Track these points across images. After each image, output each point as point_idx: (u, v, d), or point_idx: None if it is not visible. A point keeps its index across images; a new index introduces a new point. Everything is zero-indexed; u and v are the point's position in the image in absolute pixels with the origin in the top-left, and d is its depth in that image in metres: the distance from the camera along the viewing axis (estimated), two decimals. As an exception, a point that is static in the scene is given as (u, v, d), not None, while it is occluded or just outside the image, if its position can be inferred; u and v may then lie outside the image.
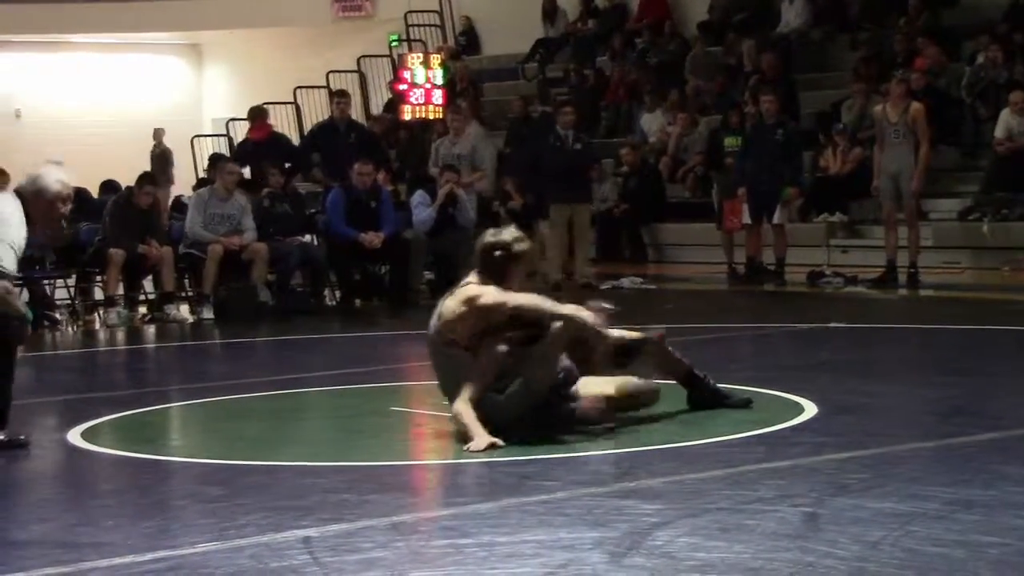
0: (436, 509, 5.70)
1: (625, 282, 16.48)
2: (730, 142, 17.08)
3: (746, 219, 16.27)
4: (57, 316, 14.49)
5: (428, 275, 15.97)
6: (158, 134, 25.00)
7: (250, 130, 17.68)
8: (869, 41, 19.58)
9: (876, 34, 19.71)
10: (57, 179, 7.49)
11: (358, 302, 15.17)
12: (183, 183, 21.28)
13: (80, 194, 15.55)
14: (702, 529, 5.20)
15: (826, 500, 5.57)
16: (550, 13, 24.74)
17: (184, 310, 14.61)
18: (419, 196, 15.66)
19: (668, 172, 19.57)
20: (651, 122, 20.57)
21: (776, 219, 16.05)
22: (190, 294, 15.01)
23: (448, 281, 15.30)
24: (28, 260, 14.82)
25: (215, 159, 17.64)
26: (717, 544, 4.98)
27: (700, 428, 7.32)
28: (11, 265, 7.25)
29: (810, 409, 7.70)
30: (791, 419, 7.46)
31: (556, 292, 16.13)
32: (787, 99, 18.05)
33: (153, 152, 25.47)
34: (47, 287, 14.89)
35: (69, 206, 7.65)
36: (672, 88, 20.82)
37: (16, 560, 5.11)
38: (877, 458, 6.42)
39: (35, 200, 7.43)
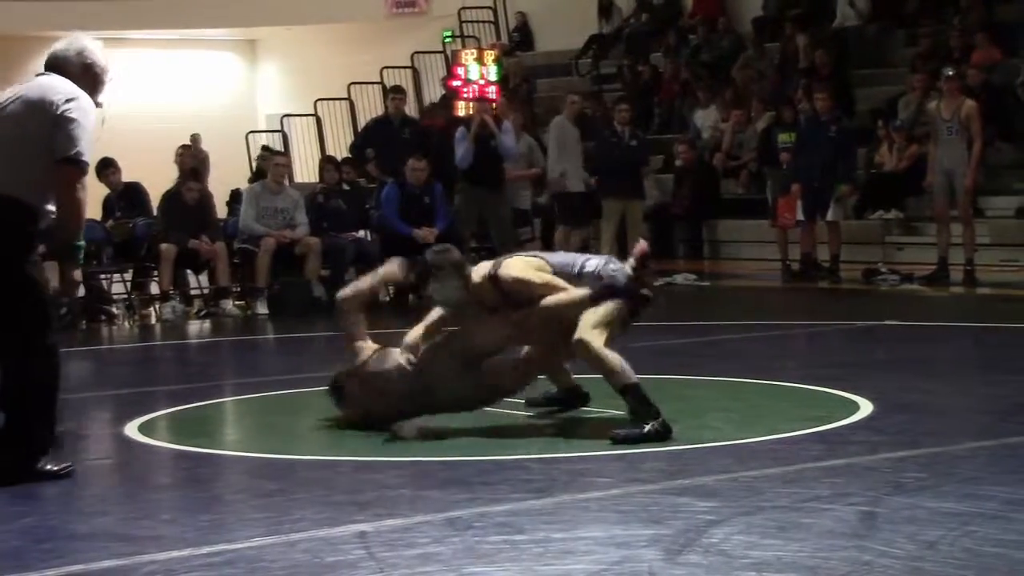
0: (491, 505, 5.70)
1: (678, 279, 16.44)
2: (783, 138, 16.99)
3: (799, 216, 16.20)
4: (113, 310, 14.58)
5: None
6: (195, 139, 25.12)
7: None
8: (926, 36, 19.44)
9: (933, 29, 19.58)
10: (100, 50, 6.97)
11: (411, 298, 15.18)
12: (240, 178, 21.31)
13: (136, 189, 15.71)
14: (758, 527, 5.18)
15: (883, 499, 5.54)
16: (606, 9, 24.70)
17: (238, 304, 14.66)
18: (461, 132, 15.60)
19: (722, 169, 19.50)
20: (704, 118, 20.50)
21: (830, 216, 15.98)
22: (244, 288, 15.06)
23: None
24: (86, 254, 14.95)
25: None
26: (773, 542, 4.96)
27: (754, 426, 7.30)
28: None
29: (866, 407, 7.66)
30: (847, 417, 7.42)
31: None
32: (842, 95, 17.95)
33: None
34: (104, 281, 15.00)
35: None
36: (725, 84, 20.75)
37: (75, 552, 5.15)
38: (934, 457, 6.39)
39: (86, 74, 6.81)
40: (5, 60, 27.65)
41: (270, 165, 15.61)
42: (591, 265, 7.44)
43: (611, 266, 7.41)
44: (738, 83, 20.53)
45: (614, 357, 7.15)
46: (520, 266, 7.38)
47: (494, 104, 15.71)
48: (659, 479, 6.06)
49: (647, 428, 6.90)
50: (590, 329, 7.11)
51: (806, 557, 4.76)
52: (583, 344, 7.10)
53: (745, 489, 5.82)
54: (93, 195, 15.95)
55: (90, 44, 6.98)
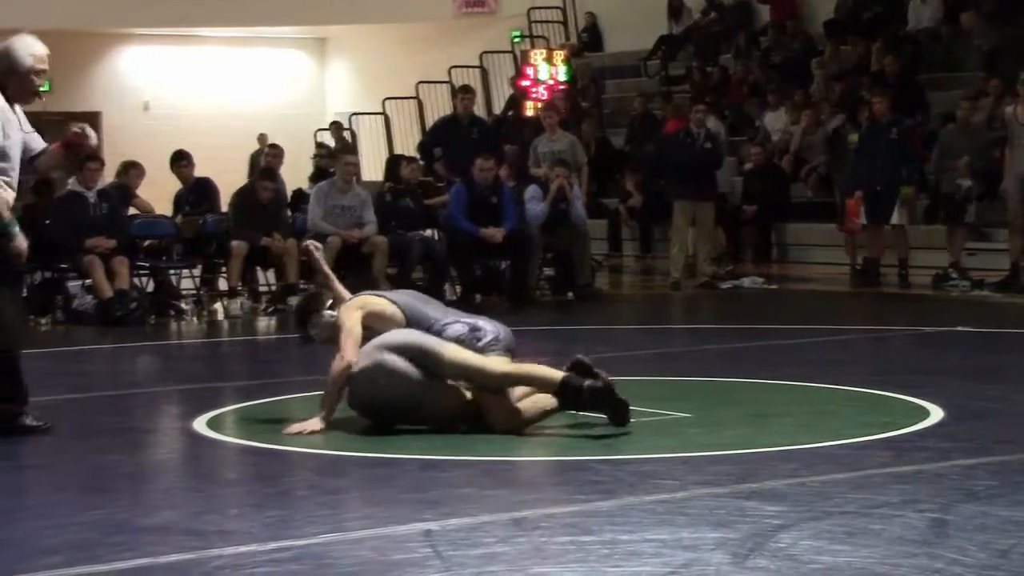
0: (557, 506, 5.69)
1: (746, 282, 16.38)
2: (853, 139, 16.93)
3: (863, 220, 16.11)
4: (182, 306, 14.67)
5: (548, 272, 15.99)
6: (263, 139, 25.28)
7: None
8: (1001, 40, 19.26)
9: (1008, 33, 19.40)
10: (29, 52, 7.31)
11: (478, 297, 15.20)
12: (304, 176, 21.43)
13: (207, 184, 15.82)
14: (826, 532, 5.14)
15: (953, 506, 5.48)
16: (675, 10, 24.63)
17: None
18: (532, 190, 15.67)
19: (791, 171, 19.41)
20: (774, 121, 20.41)
21: (895, 219, 15.87)
22: (311, 286, 15.11)
23: (566, 278, 15.49)
24: (154, 250, 15.12)
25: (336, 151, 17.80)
26: (842, 548, 4.92)
27: (821, 431, 7.24)
28: None
29: (936, 414, 7.59)
30: (916, 423, 7.36)
31: (676, 291, 16.14)
32: (913, 98, 17.82)
33: (256, 155, 25.60)
34: (173, 277, 15.11)
35: (42, 79, 7.40)
36: (796, 87, 20.65)
37: (144, 546, 5.17)
38: (1006, 465, 6.31)
39: (8, 76, 7.25)
40: (80, 56, 27.95)
41: (339, 164, 15.66)
42: (454, 331, 7.48)
43: (477, 340, 7.45)
44: (817, 84, 20.43)
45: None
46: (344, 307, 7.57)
47: (568, 170, 15.71)
48: (726, 482, 6.03)
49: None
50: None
51: (875, 564, 4.72)
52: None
53: (813, 494, 5.78)
54: (166, 190, 16.15)
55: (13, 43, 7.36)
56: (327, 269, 8.09)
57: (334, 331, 7.53)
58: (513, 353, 7.55)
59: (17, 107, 7.43)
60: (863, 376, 9.01)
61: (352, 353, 7.35)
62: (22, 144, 7.39)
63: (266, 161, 16.92)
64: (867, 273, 16.15)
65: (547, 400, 7.37)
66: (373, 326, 7.49)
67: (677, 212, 16.43)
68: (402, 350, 7.28)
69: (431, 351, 7.30)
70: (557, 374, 7.31)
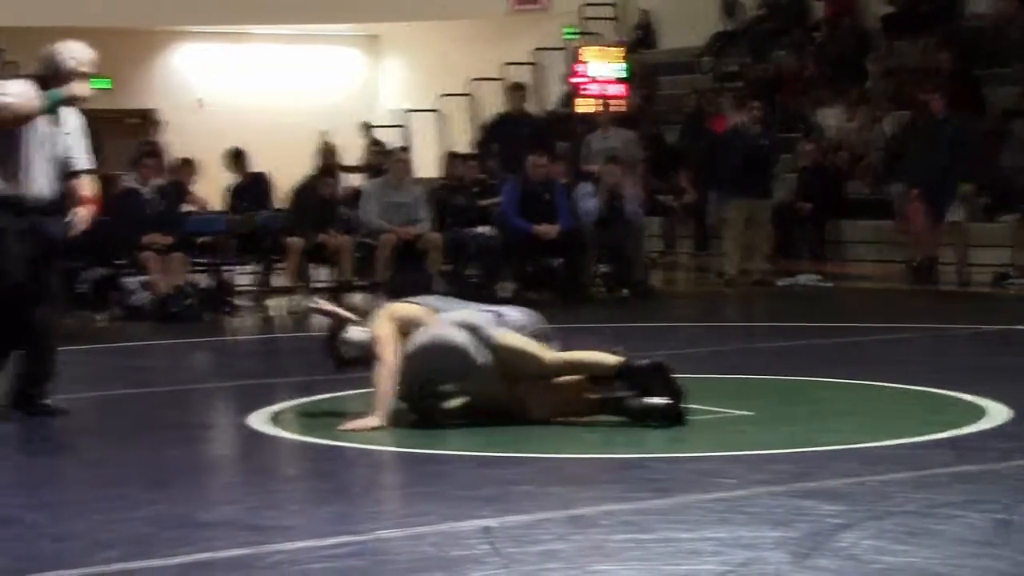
0: (616, 503, 5.66)
1: (801, 280, 16.30)
2: (909, 136, 16.84)
3: (920, 217, 16.00)
4: (238, 302, 14.73)
5: (603, 268, 15.96)
6: (323, 136, 25.37)
7: None
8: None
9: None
10: (72, 55, 7.67)
11: (532, 294, 15.19)
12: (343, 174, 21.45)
13: (262, 180, 15.88)
14: (887, 532, 5.10)
15: (1017, 506, 5.42)
16: (729, 6, 24.53)
17: (361, 298, 14.74)
18: (584, 187, 15.63)
19: (847, 168, 19.29)
20: (829, 117, 20.29)
21: (952, 217, 15.76)
22: (366, 283, 15.15)
23: (620, 275, 15.47)
24: (209, 246, 15.18)
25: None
26: (904, 548, 4.88)
27: (881, 430, 7.19)
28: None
29: (998, 413, 7.51)
30: (978, 423, 7.29)
31: (731, 289, 16.08)
32: (969, 94, 17.68)
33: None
34: (228, 273, 15.17)
35: (87, 83, 7.74)
36: (851, 83, 20.52)
37: (203, 541, 5.19)
38: (1070, 466, 6.26)
39: (52, 77, 7.62)
40: (137, 54, 28.12)
41: (392, 161, 15.69)
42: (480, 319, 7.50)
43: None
44: (872, 80, 20.31)
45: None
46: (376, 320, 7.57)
47: (620, 167, 15.69)
48: (785, 481, 5.98)
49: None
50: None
51: (938, 564, 4.68)
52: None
53: (873, 493, 5.73)
54: (220, 186, 16.18)
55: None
56: (342, 312, 8.05)
57: (368, 345, 7.55)
58: (549, 340, 7.55)
59: (66, 110, 7.75)
60: (924, 375, 8.94)
61: (392, 356, 7.37)
62: (52, 139, 7.69)
63: (326, 158, 16.99)
64: (924, 271, 16.04)
65: (588, 390, 7.42)
66: (408, 331, 7.51)
67: (732, 209, 16.37)
68: (460, 325, 7.33)
69: (485, 332, 7.32)
70: (613, 358, 7.33)
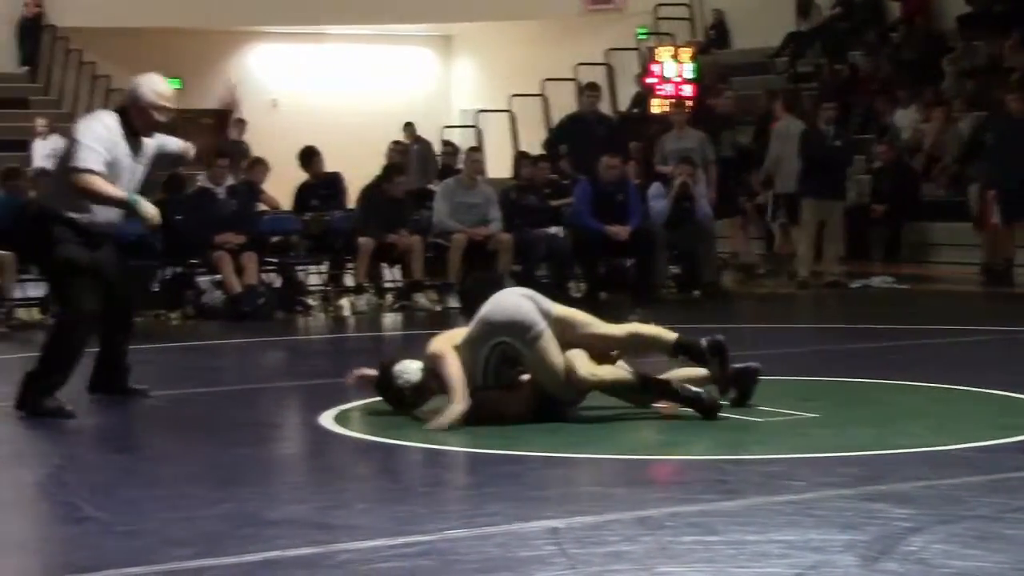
0: (683, 505, 5.65)
1: (875, 281, 16.19)
2: (987, 138, 16.68)
3: (996, 218, 15.85)
4: (309, 302, 14.81)
5: (674, 269, 15.92)
6: (411, 130, 25.40)
7: None
8: None
9: None
10: (152, 88, 7.95)
11: (603, 295, 15.17)
12: (432, 174, 21.52)
13: (335, 180, 15.95)
14: (958, 536, 5.06)
15: (1089, 511, 5.38)
16: (804, 6, 24.41)
17: (431, 298, 14.76)
18: (655, 188, 15.60)
19: (923, 169, 19.15)
20: (904, 118, 20.15)
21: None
22: (437, 283, 15.17)
23: (692, 275, 15.43)
24: (283, 246, 15.26)
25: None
26: (974, 552, 4.84)
27: (952, 433, 7.14)
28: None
29: (1074, 417, 7.45)
30: (1052, 427, 7.23)
31: (803, 290, 16.00)
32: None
33: (411, 147, 25.74)
34: (300, 273, 15.24)
35: (165, 116, 8.05)
36: (926, 84, 20.37)
37: (272, 539, 5.22)
38: None
39: (132, 108, 7.92)
40: (210, 54, 28.32)
41: (466, 161, 15.71)
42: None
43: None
44: (948, 80, 20.13)
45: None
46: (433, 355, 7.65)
47: (693, 168, 15.64)
48: (854, 484, 5.95)
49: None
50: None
51: (1009, 569, 4.64)
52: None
53: (943, 497, 5.69)
54: (293, 186, 16.26)
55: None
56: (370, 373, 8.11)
57: (426, 369, 7.65)
58: None
59: (145, 140, 8.13)
60: (997, 378, 8.85)
61: (453, 355, 7.44)
62: (132, 171, 8.04)
63: (395, 157, 17.02)
64: (1000, 273, 15.89)
65: (627, 375, 7.60)
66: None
67: (806, 210, 16.29)
68: (521, 295, 7.61)
69: (544, 303, 7.53)
70: (670, 334, 7.62)
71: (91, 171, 7.74)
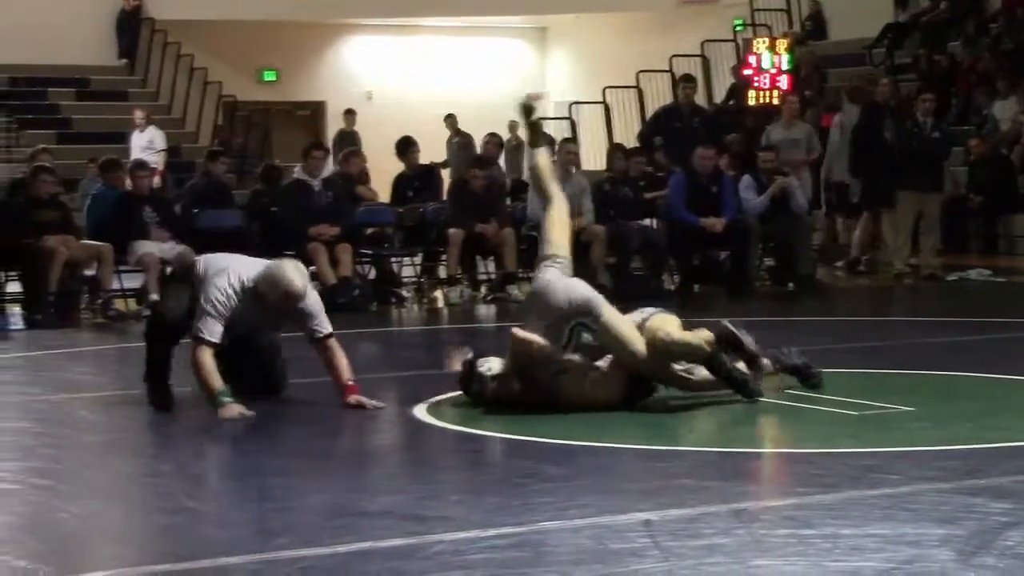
0: (778, 498, 5.62)
1: (972, 274, 16.01)
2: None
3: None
4: (403, 293, 14.86)
5: (769, 261, 15.82)
6: (513, 127, 25.44)
7: None
8: None
9: None
10: (281, 290, 7.72)
11: (697, 287, 15.11)
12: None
13: (431, 172, 16.00)
14: (1057, 532, 5.00)
15: None
16: (903, -3, 24.17)
17: (525, 290, 14.76)
18: (746, 180, 15.48)
19: (1022, 162, 18.89)
20: (1004, 110, 19.89)
21: None
22: (531, 275, 15.15)
23: (786, 268, 15.32)
24: (377, 238, 15.34)
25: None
26: (1073, 548, 4.78)
27: (1053, 427, 7.05)
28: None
29: None
30: None
31: (899, 282, 15.84)
32: None
33: (508, 144, 25.82)
34: (394, 265, 15.30)
35: (300, 303, 7.83)
36: (1027, 75, 20.09)
37: (368, 530, 5.25)
38: None
39: (269, 293, 7.74)
40: (306, 47, 28.50)
41: (559, 152, 15.70)
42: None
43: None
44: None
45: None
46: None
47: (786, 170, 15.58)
48: (951, 478, 5.89)
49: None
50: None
51: (1108, 565, 4.58)
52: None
53: (1043, 492, 5.63)
54: (389, 178, 16.32)
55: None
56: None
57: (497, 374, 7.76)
58: None
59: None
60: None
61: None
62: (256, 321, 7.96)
63: (491, 150, 17.03)
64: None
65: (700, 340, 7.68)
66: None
67: (902, 203, 16.13)
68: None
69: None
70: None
71: (208, 342, 7.62)
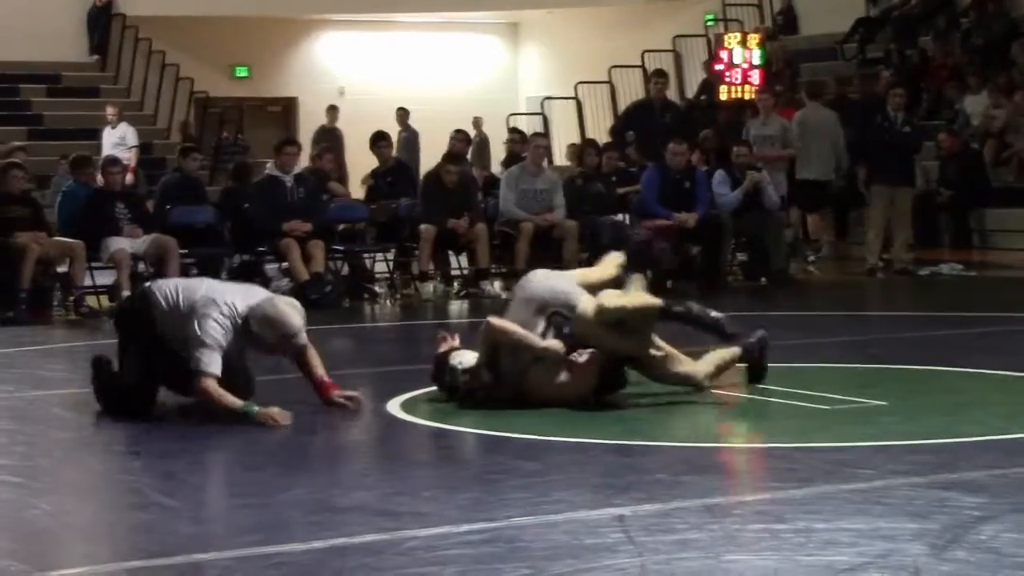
0: (751, 493, 5.63)
1: (944, 269, 16.06)
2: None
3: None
4: (376, 289, 14.85)
5: (741, 257, 15.85)
6: (477, 123, 25.40)
7: None
8: None
9: None
10: (279, 332, 7.48)
11: (669, 283, 15.12)
12: (497, 161, 21.55)
13: (404, 167, 15.98)
14: (1029, 525, 5.01)
15: None
16: (873, -9, 24.22)
17: (498, 286, 14.77)
18: (719, 176, 15.50)
19: (994, 156, 18.95)
20: (974, 105, 19.96)
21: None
22: (504, 270, 15.17)
23: (759, 263, 15.35)
24: (350, 233, 15.32)
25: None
26: (1046, 541, 4.80)
27: (1023, 421, 7.07)
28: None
29: None
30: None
31: (871, 277, 15.88)
32: None
33: (473, 140, 25.81)
34: (367, 260, 15.29)
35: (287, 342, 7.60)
36: (998, 70, 20.16)
37: (340, 525, 5.24)
38: None
39: (266, 334, 7.50)
40: (277, 43, 28.43)
41: (529, 147, 15.70)
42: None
43: None
44: (1020, 66, 19.91)
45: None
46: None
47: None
48: (924, 472, 5.90)
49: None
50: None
51: (1081, 558, 4.59)
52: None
53: (1015, 485, 5.64)
54: (361, 174, 16.27)
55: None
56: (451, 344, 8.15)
57: (472, 369, 7.74)
58: None
59: None
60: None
61: (537, 340, 7.58)
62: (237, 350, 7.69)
63: (457, 146, 17.01)
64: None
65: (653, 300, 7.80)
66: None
67: (874, 197, 16.17)
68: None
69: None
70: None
71: (212, 375, 7.37)
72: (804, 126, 17.17)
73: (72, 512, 5.83)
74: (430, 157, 16.87)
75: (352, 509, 5.56)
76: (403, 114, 24.39)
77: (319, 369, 7.76)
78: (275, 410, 7.37)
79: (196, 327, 7.39)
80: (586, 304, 7.68)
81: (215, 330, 7.40)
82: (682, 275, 15.33)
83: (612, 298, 7.66)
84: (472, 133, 22.80)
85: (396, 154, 20.30)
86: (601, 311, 7.57)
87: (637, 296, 7.70)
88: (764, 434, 6.97)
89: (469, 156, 18.58)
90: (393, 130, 17.18)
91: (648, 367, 7.73)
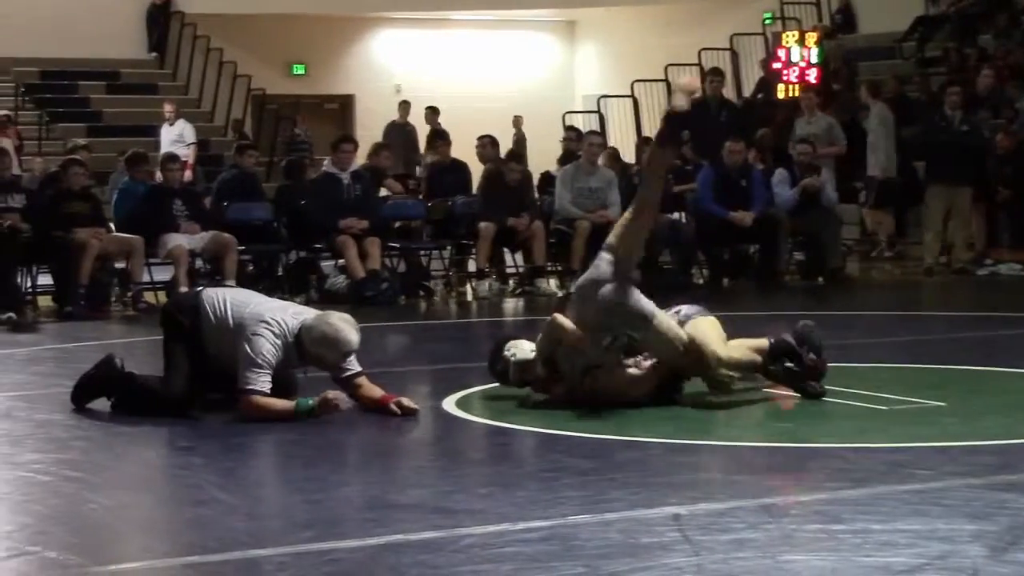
0: (807, 493, 5.60)
1: (1003, 268, 15.93)
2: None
3: None
4: (432, 287, 14.87)
5: (798, 256, 15.78)
6: (517, 121, 25.35)
7: None
8: None
9: None
10: (341, 350, 7.39)
11: (726, 281, 15.08)
12: (552, 159, 21.54)
13: (460, 167, 16.00)
14: (1090, 527, 4.97)
15: None
16: (934, -10, 24.06)
17: (554, 284, 14.76)
18: (779, 174, 15.44)
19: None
20: (1035, 103, 19.77)
21: None
22: (560, 268, 15.16)
23: (816, 262, 15.27)
24: (406, 231, 15.35)
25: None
26: (1106, 544, 4.75)
27: (1085, 422, 7.01)
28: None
29: None
30: None
31: (929, 277, 15.78)
32: None
33: (513, 138, 25.79)
34: (423, 258, 15.31)
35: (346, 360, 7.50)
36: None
37: (396, 522, 5.25)
38: None
39: (327, 354, 7.42)
40: (335, 41, 28.53)
41: (587, 145, 15.68)
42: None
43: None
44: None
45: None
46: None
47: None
48: (983, 474, 5.86)
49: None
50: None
51: None
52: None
53: (1076, 488, 5.59)
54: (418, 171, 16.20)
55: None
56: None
57: (524, 363, 7.70)
58: None
59: None
60: None
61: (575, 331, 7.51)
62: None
63: (481, 155, 17.04)
64: None
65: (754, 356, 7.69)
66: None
67: (932, 197, 16.06)
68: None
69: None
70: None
71: (261, 394, 7.28)
72: (884, 123, 17.20)
73: (129, 507, 5.87)
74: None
75: (408, 506, 5.57)
76: (432, 113, 24.20)
77: (378, 390, 7.57)
78: (330, 393, 7.35)
79: (247, 347, 7.32)
80: (671, 327, 7.52)
81: (267, 349, 7.33)
82: (739, 274, 15.29)
83: (720, 346, 7.57)
84: (512, 132, 22.83)
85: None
86: (719, 361, 7.50)
87: (744, 349, 7.68)
88: (821, 434, 6.93)
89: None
90: (448, 128, 17.16)
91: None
